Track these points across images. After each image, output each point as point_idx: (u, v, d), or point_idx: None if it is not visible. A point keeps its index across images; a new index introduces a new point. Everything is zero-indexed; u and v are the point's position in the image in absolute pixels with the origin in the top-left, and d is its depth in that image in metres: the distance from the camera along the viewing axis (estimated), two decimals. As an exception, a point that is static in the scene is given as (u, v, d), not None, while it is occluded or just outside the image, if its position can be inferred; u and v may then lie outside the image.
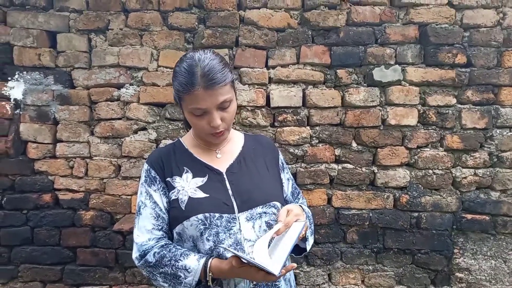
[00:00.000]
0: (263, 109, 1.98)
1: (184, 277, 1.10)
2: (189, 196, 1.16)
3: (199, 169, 1.22)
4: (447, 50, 1.93)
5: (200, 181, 1.20)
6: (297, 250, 1.30)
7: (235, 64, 1.97)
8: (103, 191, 2.00)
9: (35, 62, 1.98)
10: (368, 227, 1.99)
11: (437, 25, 1.93)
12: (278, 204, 1.23)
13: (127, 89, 1.99)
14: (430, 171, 1.96)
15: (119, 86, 2.00)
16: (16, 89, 1.99)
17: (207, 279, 1.08)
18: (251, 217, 1.16)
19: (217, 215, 1.14)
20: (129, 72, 1.99)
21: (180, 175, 1.21)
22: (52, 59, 2.00)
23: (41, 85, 1.99)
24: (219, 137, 1.19)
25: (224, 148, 1.29)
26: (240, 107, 1.97)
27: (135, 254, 1.19)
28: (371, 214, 1.97)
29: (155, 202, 1.20)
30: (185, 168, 1.22)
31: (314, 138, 1.99)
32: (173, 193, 1.19)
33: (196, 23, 1.97)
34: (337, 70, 1.97)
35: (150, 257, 1.15)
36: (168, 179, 1.21)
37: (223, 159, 1.26)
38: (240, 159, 1.28)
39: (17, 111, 2.00)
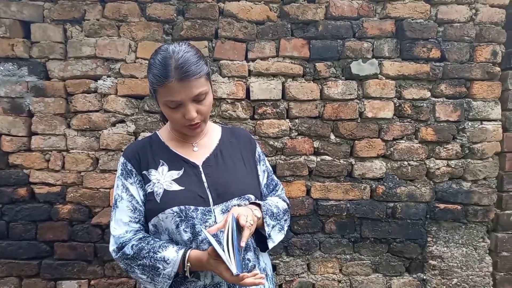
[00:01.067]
0: (243, 102, 1.99)
1: (162, 268, 1.11)
2: (164, 189, 1.17)
3: (175, 162, 1.23)
4: (422, 44, 1.97)
5: (176, 174, 1.20)
6: (261, 244, 1.28)
7: (214, 57, 1.97)
8: (81, 185, 1.97)
9: (8, 52, 1.93)
10: (345, 218, 2.03)
11: (412, 20, 1.97)
12: (252, 197, 1.24)
13: (104, 81, 1.96)
14: (405, 163, 2.02)
15: (96, 78, 1.96)
16: (-12, 80, 1.93)
17: (185, 269, 1.09)
18: (227, 210, 1.17)
19: (192, 207, 1.14)
20: (106, 63, 1.96)
21: (156, 168, 1.21)
22: (26, 49, 1.94)
23: (15, 77, 1.94)
24: (195, 129, 1.19)
25: (201, 141, 1.30)
26: (220, 100, 1.97)
27: (112, 246, 1.19)
28: (348, 205, 2.02)
29: (131, 195, 1.20)
30: (161, 161, 1.23)
31: (293, 131, 2.01)
32: (149, 185, 1.19)
33: (175, 15, 1.95)
34: (316, 64, 1.99)
35: (128, 250, 1.15)
36: (144, 172, 1.21)
37: (200, 152, 1.27)
38: (217, 152, 1.28)
39: (-10, 103, 1.94)
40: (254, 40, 1.98)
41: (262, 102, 1.99)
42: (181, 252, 1.11)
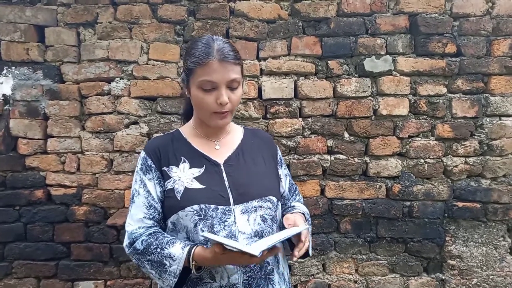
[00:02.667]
0: (255, 101, 1.98)
1: (169, 265, 1.10)
2: (185, 187, 1.17)
3: (197, 159, 1.23)
4: (437, 39, 1.93)
5: (197, 171, 1.20)
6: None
7: (226, 56, 1.96)
8: (96, 186, 1.99)
9: (23, 57, 1.96)
10: (361, 217, 2.00)
11: (427, 14, 1.93)
12: (274, 198, 1.23)
13: (117, 83, 1.97)
14: (422, 160, 1.98)
15: (109, 80, 1.98)
16: (4, 84, 1.97)
17: (191, 267, 1.09)
18: (246, 210, 1.16)
19: (212, 206, 1.14)
20: (119, 65, 1.98)
21: (177, 165, 1.21)
22: (41, 53, 1.97)
23: (30, 80, 1.97)
24: (223, 118, 1.19)
25: (223, 140, 1.29)
26: (232, 100, 1.97)
27: (125, 242, 1.20)
28: (363, 204, 1.99)
29: (148, 191, 1.20)
30: (182, 158, 1.22)
31: (306, 130, 1.99)
32: (169, 182, 1.19)
33: (186, 15, 1.96)
34: (328, 61, 1.97)
35: (138, 245, 1.16)
36: (165, 168, 1.21)
37: (222, 150, 1.27)
38: (239, 151, 1.28)
39: (7, 106, 1.98)
40: (265, 39, 1.97)
41: (274, 101, 1.97)
42: (187, 249, 1.10)
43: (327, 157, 1.99)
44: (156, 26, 1.96)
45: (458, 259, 2.00)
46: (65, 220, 1.99)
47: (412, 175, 1.99)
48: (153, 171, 1.21)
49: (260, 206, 1.18)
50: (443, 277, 2.01)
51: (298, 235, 1.13)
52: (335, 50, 1.96)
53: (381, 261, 2.01)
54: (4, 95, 1.97)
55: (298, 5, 1.94)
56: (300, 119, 1.99)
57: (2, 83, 1.96)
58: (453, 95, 1.97)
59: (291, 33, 1.96)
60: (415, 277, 2.01)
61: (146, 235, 1.17)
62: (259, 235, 1.15)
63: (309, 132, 1.99)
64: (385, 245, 2.01)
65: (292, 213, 1.28)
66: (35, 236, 1.98)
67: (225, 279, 1.14)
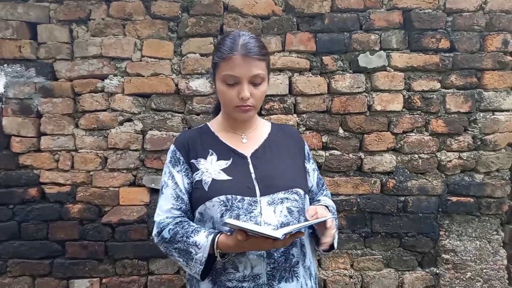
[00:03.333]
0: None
1: (195, 253, 1.13)
2: (213, 178, 1.19)
3: (224, 152, 1.26)
4: (431, 35, 1.94)
5: (224, 163, 1.23)
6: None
7: (220, 53, 1.96)
8: (90, 184, 1.98)
9: (16, 54, 1.94)
10: (356, 212, 2.01)
11: (420, 10, 1.93)
12: (300, 191, 1.24)
13: (111, 80, 1.96)
14: (416, 156, 1.99)
15: (102, 77, 1.97)
16: (-3, 82, 1.95)
17: (216, 255, 1.11)
18: (273, 202, 1.18)
19: (238, 197, 1.16)
20: (112, 62, 1.96)
21: (205, 157, 1.24)
22: (33, 51, 1.96)
23: (23, 78, 1.96)
24: (245, 112, 1.21)
25: (250, 134, 1.32)
26: (226, 96, 1.96)
27: (154, 231, 1.25)
28: (358, 200, 1.99)
29: (176, 183, 1.24)
30: (210, 150, 1.25)
31: (301, 126, 1.99)
32: (197, 174, 1.22)
33: (180, 12, 1.95)
34: (323, 57, 1.97)
35: (165, 233, 1.20)
36: (193, 160, 1.25)
37: (249, 144, 1.29)
38: (265, 145, 1.30)
39: (-1, 104, 1.96)
40: (260, 35, 1.96)
41: (269, 97, 1.97)
42: (210, 237, 1.12)
43: (322, 153, 2.00)
44: (149, 22, 1.95)
45: (452, 253, 2.01)
46: (59, 218, 1.98)
47: (406, 170, 2.00)
48: (181, 163, 1.25)
49: (287, 198, 1.19)
50: (437, 271, 2.02)
51: (324, 224, 1.13)
52: (329, 46, 1.96)
53: (376, 256, 2.02)
54: (-4, 93, 1.95)
55: (292, 1, 1.94)
56: (295, 115, 1.99)
57: (-6, 81, 1.95)
58: (446, 90, 1.97)
59: (286, 29, 1.96)
60: (410, 272, 2.02)
61: (172, 224, 1.20)
62: (285, 226, 1.15)
63: (304, 128, 1.99)
64: (380, 240, 2.02)
65: (315, 205, 1.27)
66: (29, 234, 1.97)
67: (248, 269, 1.15)
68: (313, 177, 1.39)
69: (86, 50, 1.95)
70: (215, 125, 1.35)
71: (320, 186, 1.43)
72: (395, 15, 1.94)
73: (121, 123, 1.98)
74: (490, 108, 1.97)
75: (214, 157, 1.24)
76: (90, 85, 1.97)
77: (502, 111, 1.97)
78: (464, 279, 2.01)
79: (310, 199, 1.35)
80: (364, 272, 2.03)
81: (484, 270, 2.01)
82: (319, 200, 1.38)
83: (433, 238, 2.01)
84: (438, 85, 1.97)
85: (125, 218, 1.97)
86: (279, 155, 1.29)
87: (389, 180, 1.99)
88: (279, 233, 0.97)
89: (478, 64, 1.95)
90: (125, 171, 1.98)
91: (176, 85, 1.96)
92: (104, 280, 2.00)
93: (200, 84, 1.95)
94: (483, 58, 1.94)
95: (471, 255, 2.02)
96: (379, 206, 1.99)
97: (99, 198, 1.98)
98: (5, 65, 1.95)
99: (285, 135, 1.37)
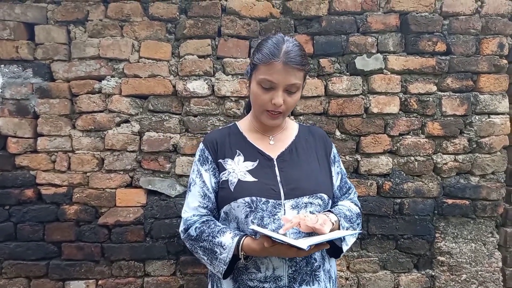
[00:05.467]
0: (247, 100, 1.98)
1: (219, 253, 1.15)
2: (239, 179, 1.21)
3: (251, 153, 1.27)
4: (427, 38, 1.95)
5: (251, 165, 1.24)
6: (333, 251, 1.29)
7: (218, 55, 1.96)
8: (87, 185, 1.98)
9: (13, 55, 1.94)
10: (352, 214, 2.01)
11: (417, 13, 1.95)
12: (325, 196, 1.24)
13: (108, 81, 1.96)
14: (412, 158, 2.00)
15: (100, 78, 1.97)
16: (-7, 83, 1.95)
17: (240, 257, 1.14)
18: (297, 205, 1.19)
19: (263, 199, 1.17)
20: (110, 64, 1.96)
21: (232, 158, 1.26)
22: (31, 51, 1.95)
23: (20, 78, 1.95)
24: (274, 118, 1.23)
25: (278, 136, 1.33)
26: (224, 98, 1.97)
27: (181, 227, 1.28)
28: (355, 202, 2.00)
29: (204, 182, 1.26)
30: (237, 151, 1.27)
31: (298, 128, 2.00)
32: (223, 174, 1.24)
33: (178, 13, 1.95)
34: (320, 60, 1.98)
35: (192, 231, 1.23)
36: (220, 160, 1.26)
37: (276, 146, 1.30)
38: (292, 147, 1.31)
39: (-4, 105, 1.96)
40: (257, 37, 1.97)
41: (266, 100, 1.97)
42: (236, 239, 1.14)
43: (318, 155, 2.00)
44: (147, 24, 1.95)
45: (448, 255, 2.02)
46: (55, 220, 1.97)
47: (402, 172, 2.01)
48: (209, 162, 1.27)
49: (311, 203, 1.20)
50: (433, 273, 2.03)
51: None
52: (326, 48, 1.97)
53: (372, 258, 2.03)
54: (-7, 93, 1.95)
55: (289, 3, 1.95)
56: (292, 117, 1.99)
57: (-9, 81, 1.94)
58: (443, 93, 1.99)
59: (283, 31, 1.96)
60: (406, 274, 2.03)
61: (199, 222, 1.23)
62: (310, 233, 1.16)
63: (301, 130, 2.00)
64: (376, 242, 2.03)
65: (323, 212, 1.25)
66: (25, 235, 1.96)
67: (270, 271, 1.17)
68: (336, 180, 1.38)
69: (83, 51, 1.95)
70: (243, 125, 1.36)
71: (345, 190, 1.42)
72: (392, 18, 1.95)
73: (118, 124, 1.98)
74: (486, 111, 1.98)
75: (241, 157, 1.26)
76: (87, 86, 1.96)
77: (498, 114, 1.98)
78: (460, 281, 2.02)
79: (332, 203, 1.34)
80: (360, 274, 2.03)
81: (480, 272, 2.02)
82: (337, 205, 1.36)
83: (428, 240, 2.02)
84: (434, 88, 1.98)
85: (121, 220, 1.97)
86: (305, 158, 1.30)
87: (386, 182, 2.00)
88: (304, 244, 0.98)
89: (474, 67, 1.96)
90: (122, 173, 1.97)
91: (174, 86, 1.96)
92: (100, 282, 1.99)
93: (197, 86, 1.95)
94: (479, 61, 1.96)
95: (467, 257, 2.03)
96: (375, 208, 2.00)
97: (96, 199, 1.97)
98: (2, 65, 1.94)
99: (312, 137, 1.37)
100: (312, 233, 1.14)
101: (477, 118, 1.99)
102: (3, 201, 1.95)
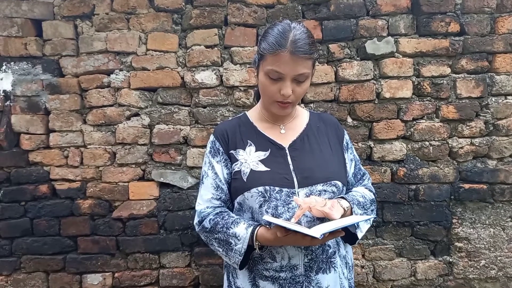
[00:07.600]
0: (256, 88, 1.95)
1: (234, 244, 1.15)
2: (251, 169, 1.21)
3: (262, 143, 1.26)
4: (440, 19, 1.89)
5: (263, 154, 1.24)
6: (348, 238, 1.28)
7: (225, 44, 1.94)
8: (100, 179, 1.99)
9: (22, 52, 1.95)
10: (366, 202, 1.99)
11: (429, -7, 1.89)
12: (339, 183, 1.23)
13: (116, 75, 1.96)
14: (427, 143, 1.95)
15: (108, 72, 1.96)
16: (4, 80, 1.96)
17: (255, 247, 1.13)
18: (310, 194, 1.18)
19: (277, 188, 1.17)
20: (117, 57, 1.96)
21: (244, 148, 1.25)
22: (39, 48, 1.96)
23: (30, 75, 1.96)
24: (284, 108, 1.21)
25: (289, 124, 1.32)
26: (232, 88, 1.95)
27: (195, 220, 1.29)
28: (369, 189, 1.97)
29: (216, 173, 1.26)
30: (249, 141, 1.26)
31: (308, 116, 1.97)
32: (236, 165, 1.24)
33: (183, 3, 1.93)
34: (329, 45, 1.94)
35: (206, 223, 1.23)
36: (232, 151, 1.26)
37: (287, 134, 1.29)
38: (304, 136, 1.29)
39: (7, 102, 1.97)
40: (265, 25, 1.94)
41: (276, 88, 1.95)
42: (250, 229, 1.14)
43: (330, 142, 1.97)
44: (153, 15, 1.94)
45: (466, 241, 1.98)
46: (70, 214, 1.99)
47: (417, 158, 1.96)
48: (220, 154, 1.27)
49: (325, 190, 1.19)
50: (450, 260, 1.99)
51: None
52: (335, 33, 1.92)
53: (387, 246, 2.00)
54: (4, 91, 1.96)
55: (296, -11, 1.91)
56: (302, 105, 1.96)
57: (2, 79, 1.96)
58: (457, 75, 1.93)
59: (291, 17, 1.93)
60: (423, 261, 2.00)
61: (213, 214, 1.23)
62: (322, 219, 1.15)
63: (312, 118, 1.97)
64: (391, 229, 2.00)
65: (335, 198, 1.23)
66: (41, 230, 1.99)
67: (285, 260, 1.17)
68: (350, 167, 1.37)
69: (91, 46, 1.95)
70: (253, 114, 1.35)
71: (359, 177, 1.41)
72: None
73: (128, 118, 1.98)
74: (502, 92, 1.92)
75: (253, 148, 1.25)
76: (96, 80, 1.96)
77: (515, 95, 1.92)
78: (478, 267, 1.99)
79: (346, 190, 1.33)
80: (376, 262, 2.01)
81: (499, 258, 1.98)
82: (351, 191, 1.35)
83: (445, 226, 1.98)
84: (448, 70, 1.92)
85: (135, 213, 1.98)
86: (317, 146, 1.28)
87: (400, 168, 1.96)
88: (318, 233, 0.97)
89: (489, 47, 1.90)
90: (133, 166, 1.98)
91: (182, 78, 1.95)
92: (116, 275, 2.01)
93: (206, 77, 1.93)
94: (494, 41, 1.89)
95: (485, 243, 1.99)
96: (390, 195, 1.97)
97: (109, 193, 1.99)
98: (12, 63, 1.95)
99: (324, 125, 1.35)
100: (325, 218, 1.13)
101: (493, 99, 1.93)
102: (19, 197, 1.98)
